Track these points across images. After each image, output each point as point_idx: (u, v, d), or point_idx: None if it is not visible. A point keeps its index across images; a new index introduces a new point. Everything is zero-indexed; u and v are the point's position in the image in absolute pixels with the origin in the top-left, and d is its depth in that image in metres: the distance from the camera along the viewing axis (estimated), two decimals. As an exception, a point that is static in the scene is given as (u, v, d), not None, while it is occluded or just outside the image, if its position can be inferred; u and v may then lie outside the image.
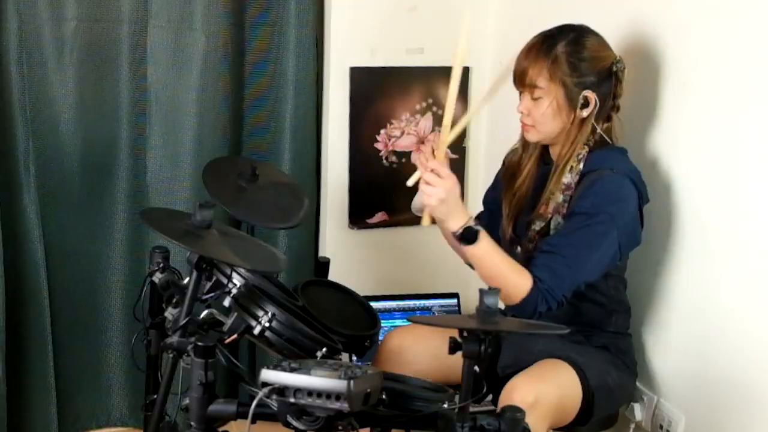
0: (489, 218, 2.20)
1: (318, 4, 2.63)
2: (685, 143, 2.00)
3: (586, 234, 1.86)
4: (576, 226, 1.87)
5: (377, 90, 2.66)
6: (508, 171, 2.11)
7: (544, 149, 2.06)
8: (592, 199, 1.86)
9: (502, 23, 2.69)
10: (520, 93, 1.97)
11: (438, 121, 2.73)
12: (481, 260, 1.88)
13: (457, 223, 1.86)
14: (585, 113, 1.91)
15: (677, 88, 2.01)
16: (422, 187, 1.85)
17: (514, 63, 1.96)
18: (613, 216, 1.86)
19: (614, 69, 1.92)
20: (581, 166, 1.92)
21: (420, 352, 2.07)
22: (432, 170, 1.84)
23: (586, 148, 1.93)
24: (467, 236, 1.85)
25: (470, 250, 1.87)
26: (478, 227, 1.86)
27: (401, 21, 2.64)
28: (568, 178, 1.92)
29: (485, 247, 1.86)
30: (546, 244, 1.89)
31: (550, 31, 1.95)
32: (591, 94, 1.89)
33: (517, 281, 1.84)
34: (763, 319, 1.80)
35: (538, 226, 1.95)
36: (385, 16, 2.62)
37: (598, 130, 1.93)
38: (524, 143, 2.07)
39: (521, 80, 1.93)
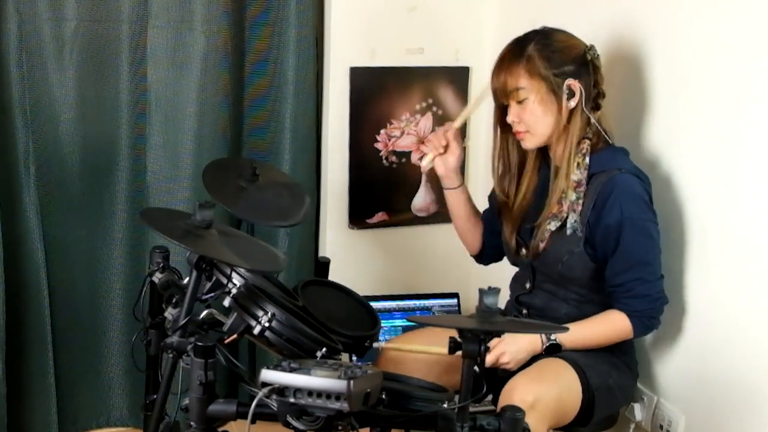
0: (489, 222, 2.21)
1: (318, 4, 2.63)
2: (685, 142, 2.00)
3: (631, 245, 1.89)
4: (619, 246, 1.89)
5: (377, 90, 2.66)
6: (501, 203, 2.11)
7: (544, 154, 2.06)
8: (616, 212, 1.88)
9: (502, 23, 2.70)
10: (507, 107, 1.97)
11: (438, 120, 2.74)
12: (576, 346, 1.95)
13: (537, 349, 1.94)
14: (573, 103, 1.92)
15: (675, 87, 2.01)
16: (496, 357, 1.92)
17: (491, 82, 1.98)
18: (638, 215, 1.89)
19: (588, 57, 1.93)
20: (587, 160, 1.93)
21: (417, 362, 2.07)
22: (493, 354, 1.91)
23: (587, 142, 1.94)
24: (553, 351, 1.94)
25: (564, 352, 1.94)
26: (553, 339, 1.93)
27: (401, 21, 2.64)
28: (577, 175, 1.93)
29: (570, 340, 1.93)
30: (610, 279, 1.93)
31: (516, 39, 1.97)
32: (575, 83, 1.91)
33: (616, 329, 1.94)
34: (763, 319, 1.80)
35: (553, 226, 1.96)
36: (385, 16, 2.62)
37: (593, 120, 1.93)
38: (504, 169, 2.08)
39: (503, 91, 1.95)
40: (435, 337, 2.01)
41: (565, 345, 1.93)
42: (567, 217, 1.93)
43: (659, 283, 1.92)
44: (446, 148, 2.14)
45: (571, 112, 1.93)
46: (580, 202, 1.92)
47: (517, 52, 1.93)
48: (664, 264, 1.94)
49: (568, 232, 1.93)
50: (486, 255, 2.28)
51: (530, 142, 1.99)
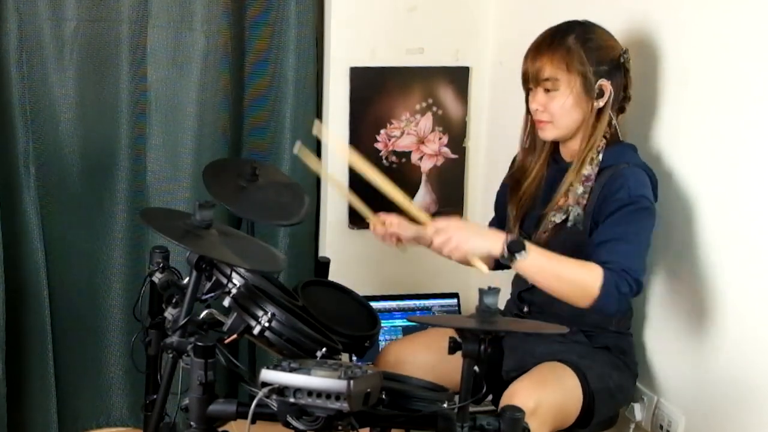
0: (498, 226, 2.20)
1: (318, 4, 2.63)
2: (685, 142, 1.99)
3: (632, 218, 1.85)
4: (619, 215, 1.85)
5: (377, 90, 2.66)
6: (515, 175, 2.11)
7: (554, 150, 2.06)
8: (623, 191, 1.86)
9: (502, 23, 2.69)
10: (529, 91, 1.97)
11: (438, 120, 2.74)
12: (539, 268, 1.81)
13: (497, 245, 1.80)
14: (601, 103, 1.92)
15: (678, 85, 2.01)
16: (441, 246, 1.85)
17: (523, 64, 1.96)
18: (647, 198, 1.88)
19: (622, 60, 1.94)
20: (600, 157, 1.93)
21: (417, 365, 2.06)
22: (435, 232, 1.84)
23: (604, 141, 1.94)
24: (514, 248, 1.79)
25: (523, 263, 1.80)
26: (518, 237, 1.82)
27: (401, 21, 2.64)
28: (588, 170, 1.92)
29: (536, 252, 1.81)
30: (598, 237, 1.85)
31: (556, 26, 1.96)
32: (606, 83, 1.90)
33: (585, 274, 1.78)
34: (763, 319, 1.80)
35: (558, 218, 1.94)
36: (385, 16, 2.62)
37: (614, 122, 1.94)
38: (530, 146, 2.07)
39: (536, 77, 1.92)
40: (432, 350, 2.01)
41: (530, 259, 1.78)
42: (571, 210, 1.93)
43: (641, 260, 1.84)
44: (397, 236, 2.14)
45: (598, 111, 1.93)
46: (586, 196, 1.91)
47: (558, 41, 1.91)
48: (664, 264, 1.93)
49: (570, 224, 1.92)
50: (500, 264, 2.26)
51: (550, 133, 1.97)
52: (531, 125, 2.05)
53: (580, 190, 1.92)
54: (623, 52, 1.95)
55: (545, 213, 1.98)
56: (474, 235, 1.86)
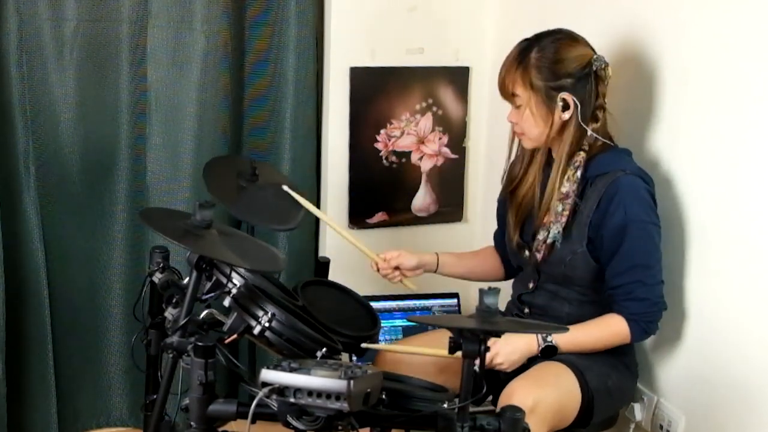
0: (503, 236, 2.21)
1: (318, 4, 2.63)
2: (685, 142, 2.00)
3: (634, 248, 1.88)
4: (621, 247, 1.88)
5: (377, 90, 2.66)
6: (511, 183, 2.12)
7: (549, 153, 2.06)
8: (620, 214, 1.88)
9: (502, 23, 2.69)
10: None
11: (438, 120, 2.74)
12: (573, 350, 1.93)
13: (533, 350, 1.91)
14: (567, 115, 1.92)
15: (676, 87, 2.01)
16: (495, 362, 1.90)
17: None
18: (643, 217, 1.89)
19: (593, 68, 1.92)
20: (578, 173, 1.93)
21: (417, 368, 2.06)
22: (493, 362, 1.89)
23: (583, 154, 1.93)
24: (550, 353, 1.91)
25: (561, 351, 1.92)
26: (549, 341, 1.90)
27: (401, 21, 2.64)
28: (566, 187, 1.93)
29: (565, 344, 1.91)
30: (610, 281, 1.92)
31: (527, 39, 1.97)
32: (568, 96, 1.91)
33: (613, 332, 1.92)
34: (763, 319, 1.80)
35: (542, 236, 1.97)
36: (385, 16, 2.62)
37: (589, 132, 1.93)
38: (523, 151, 2.09)
39: (502, 91, 1.98)
40: (435, 339, 2.01)
41: (562, 348, 1.91)
42: (551, 228, 1.94)
43: (659, 288, 1.92)
44: (397, 268, 2.19)
45: (565, 123, 1.93)
46: (566, 213, 1.93)
47: (520, 56, 1.94)
48: (664, 264, 1.94)
49: (549, 241, 1.95)
50: (512, 269, 2.27)
51: (527, 143, 2.02)
52: (513, 135, 2.09)
53: (559, 207, 1.94)
54: (594, 60, 1.92)
55: (534, 230, 2.00)
56: (516, 352, 1.91)
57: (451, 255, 2.29)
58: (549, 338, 1.90)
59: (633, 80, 2.08)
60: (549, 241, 1.95)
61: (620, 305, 1.91)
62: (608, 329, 1.92)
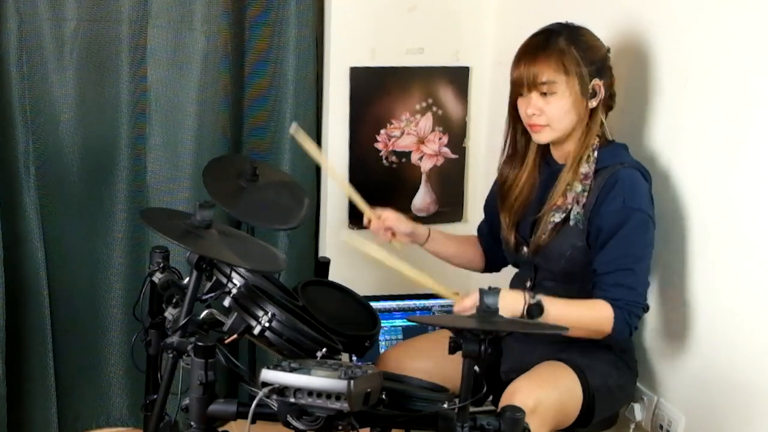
0: (489, 228, 2.21)
1: (318, 4, 2.63)
2: (685, 141, 1.99)
3: (629, 236, 1.86)
4: (619, 238, 1.87)
5: (377, 90, 2.66)
6: (504, 184, 2.10)
7: (544, 153, 2.05)
8: (618, 201, 1.87)
9: (502, 23, 2.70)
10: (521, 96, 1.96)
11: (438, 120, 2.74)
12: (554, 320, 1.85)
13: (518, 310, 1.82)
14: (594, 103, 1.92)
15: (675, 86, 2.01)
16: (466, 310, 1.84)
17: (514, 70, 1.95)
18: (643, 208, 1.88)
19: (608, 59, 1.95)
20: (595, 154, 1.93)
21: (417, 370, 2.06)
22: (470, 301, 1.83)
23: (597, 139, 1.94)
24: (534, 312, 1.83)
25: (543, 318, 1.85)
26: (537, 299, 1.83)
27: (401, 21, 2.64)
28: (585, 168, 1.92)
29: (552, 309, 1.83)
30: (599, 267, 1.88)
31: (543, 30, 1.95)
32: (598, 83, 1.91)
33: (597, 315, 1.86)
34: (763, 319, 1.80)
35: (557, 217, 1.94)
36: (385, 16, 2.62)
37: (604, 120, 1.95)
38: (512, 154, 2.06)
39: (533, 82, 1.90)
40: (432, 356, 2.01)
41: (548, 311, 1.83)
42: (571, 209, 1.92)
43: (646, 284, 1.89)
44: (391, 230, 2.18)
45: (592, 111, 1.93)
46: (585, 194, 1.91)
47: (549, 44, 1.90)
48: (664, 263, 1.94)
49: (571, 223, 1.92)
50: (492, 263, 2.27)
51: (546, 136, 1.96)
52: (513, 132, 2.05)
53: (579, 188, 1.92)
54: (608, 51, 1.95)
55: (542, 215, 1.98)
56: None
57: (442, 233, 2.28)
58: (537, 297, 1.83)
59: (632, 78, 2.08)
60: (571, 222, 1.92)
61: (607, 291, 1.86)
62: (593, 309, 1.86)
